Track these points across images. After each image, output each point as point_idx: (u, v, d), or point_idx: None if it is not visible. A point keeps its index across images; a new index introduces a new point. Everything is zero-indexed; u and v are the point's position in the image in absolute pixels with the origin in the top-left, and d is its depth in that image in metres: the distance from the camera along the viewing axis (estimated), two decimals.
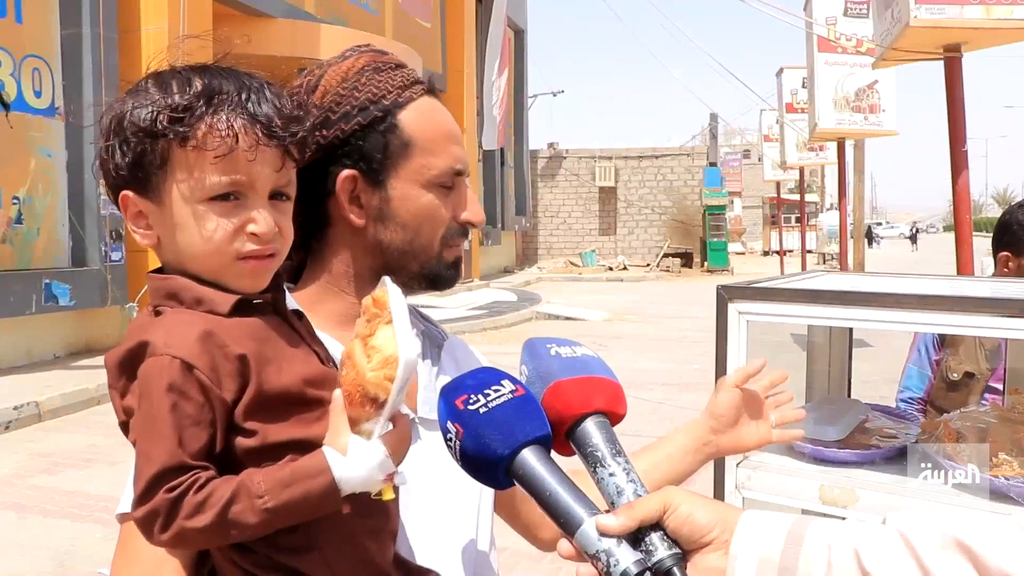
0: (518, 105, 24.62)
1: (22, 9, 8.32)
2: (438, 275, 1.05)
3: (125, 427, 0.77)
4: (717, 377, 1.46)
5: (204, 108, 0.77)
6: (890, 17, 3.89)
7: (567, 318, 13.52)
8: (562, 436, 0.81)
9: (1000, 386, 2.18)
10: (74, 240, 8.83)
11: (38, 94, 8.47)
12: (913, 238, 45.13)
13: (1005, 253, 2.29)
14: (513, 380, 0.82)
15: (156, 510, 0.71)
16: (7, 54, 8.12)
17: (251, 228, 0.79)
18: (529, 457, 0.76)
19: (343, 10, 14.04)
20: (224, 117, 0.77)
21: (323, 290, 1.04)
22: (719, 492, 1.46)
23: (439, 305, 14.11)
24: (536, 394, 0.81)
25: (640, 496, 0.75)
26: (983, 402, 2.25)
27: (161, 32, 9.23)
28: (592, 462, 0.78)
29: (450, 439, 0.78)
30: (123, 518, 0.94)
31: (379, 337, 0.76)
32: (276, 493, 0.73)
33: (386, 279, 0.80)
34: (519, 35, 24.34)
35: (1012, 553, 0.66)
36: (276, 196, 0.82)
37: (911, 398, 2.44)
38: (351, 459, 0.75)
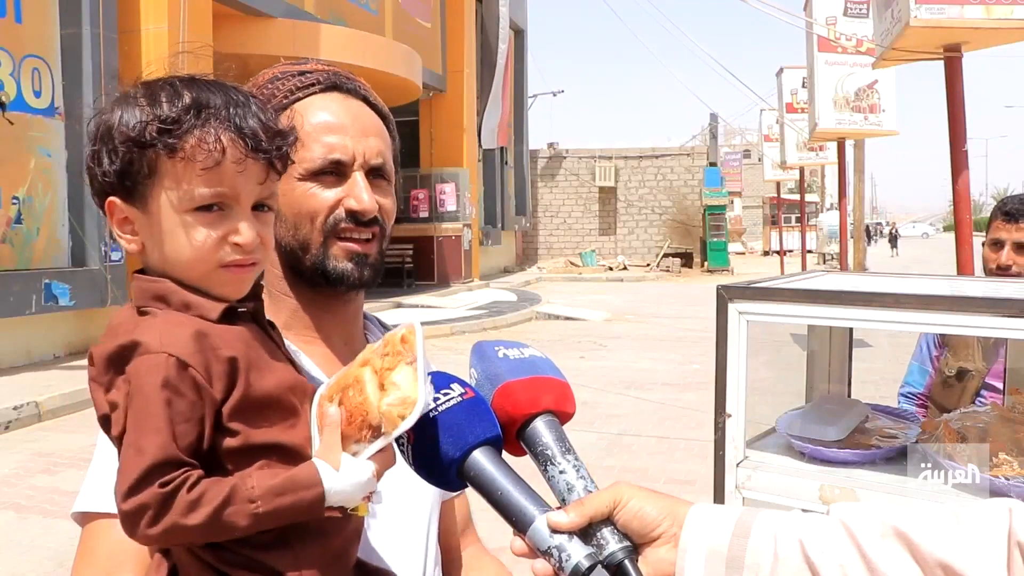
0: (518, 105, 24.63)
1: (22, 9, 8.32)
2: (327, 270, 1.02)
3: (105, 421, 0.78)
4: (717, 377, 1.46)
5: (193, 120, 0.79)
6: (890, 17, 3.89)
7: (567, 318, 13.52)
8: (513, 436, 0.82)
9: (1000, 384, 2.18)
10: (74, 240, 8.83)
11: (38, 94, 8.47)
12: (893, 240, 40.57)
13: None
14: (462, 383, 0.83)
15: (147, 504, 0.72)
16: (7, 54, 8.12)
17: (234, 239, 0.82)
18: (480, 458, 0.78)
19: (343, 10, 14.04)
20: (212, 130, 0.79)
21: (269, 295, 1.06)
22: (719, 492, 1.46)
23: (439, 305, 14.11)
24: (486, 396, 0.83)
25: (590, 492, 0.77)
26: (980, 399, 2.27)
27: (161, 32, 9.23)
28: (542, 461, 0.80)
29: (402, 443, 0.80)
30: (83, 518, 0.94)
31: (400, 374, 0.78)
32: (268, 500, 0.75)
33: (416, 322, 0.82)
34: (519, 35, 24.35)
35: (946, 540, 0.70)
36: (258, 207, 0.85)
37: (911, 393, 2.49)
38: (342, 475, 0.78)
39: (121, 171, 0.80)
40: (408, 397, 0.77)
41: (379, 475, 0.80)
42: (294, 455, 0.80)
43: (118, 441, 0.76)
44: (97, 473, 0.95)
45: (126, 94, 0.83)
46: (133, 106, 0.81)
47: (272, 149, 0.83)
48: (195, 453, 0.75)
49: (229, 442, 0.78)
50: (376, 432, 0.78)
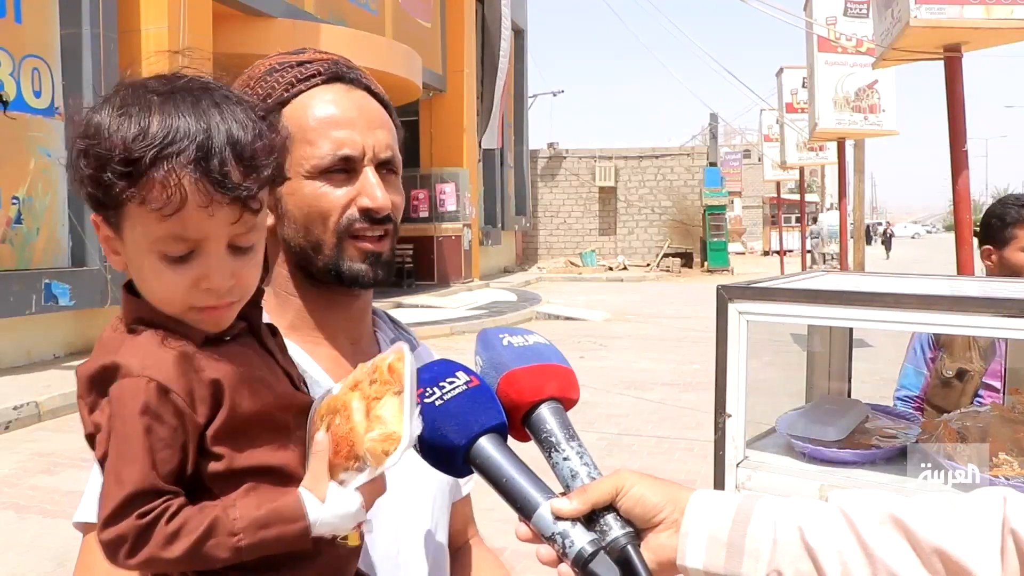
0: (518, 105, 24.62)
1: (22, 9, 8.32)
2: (342, 270, 0.99)
3: (91, 439, 0.76)
4: (717, 377, 1.46)
5: (151, 160, 0.71)
6: (890, 17, 3.89)
7: (567, 318, 13.52)
8: (518, 423, 0.83)
9: (998, 384, 2.18)
10: (74, 240, 8.83)
11: (38, 94, 8.47)
12: (887, 242, 38.77)
13: (987, 247, 2.45)
14: (468, 371, 0.84)
15: (124, 535, 0.70)
16: (7, 54, 8.12)
17: (204, 285, 0.75)
18: (485, 446, 0.79)
19: (343, 10, 14.04)
20: (173, 173, 0.70)
21: (275, 295, 1.04)
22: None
23: (439, 305, 14.11)
24: (491, 383, 0.84)
25: (594, 479, 0.78)
26: (978, 399, 2.26)
27: (161, 32, 9.23)
28: (547, 447, 0.81)
29: None
30: (84, 528, 0.93)
31: (386, 407, 0.76)
32: (251, 532, 0.72)
33: (405, 348, 0.80)
34: (519, 35, 24.34)
35: (942, 527, 0.72)
36: (235, 246, 0.77)
37: (907, 396, 2.46)
38: (328, 507, 0.75)
39: (91, 197, 0.75)
40: (392, 433, 0.75)
41: (368, 504, 0.78)
42: (284, 476, 0.78)
43: (101, 464, 0.73)
44: (97, 482, 0.94)
45: (103, 103, 0.76)
46: (103, 129, 0.73)
47: (242, 187, 0.73)
48: (178, 478, 0.73)
49: (214, 466, 0.75)
50: (363, 463, 0.76)
